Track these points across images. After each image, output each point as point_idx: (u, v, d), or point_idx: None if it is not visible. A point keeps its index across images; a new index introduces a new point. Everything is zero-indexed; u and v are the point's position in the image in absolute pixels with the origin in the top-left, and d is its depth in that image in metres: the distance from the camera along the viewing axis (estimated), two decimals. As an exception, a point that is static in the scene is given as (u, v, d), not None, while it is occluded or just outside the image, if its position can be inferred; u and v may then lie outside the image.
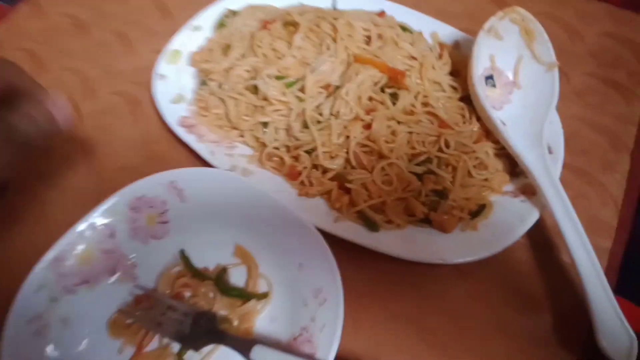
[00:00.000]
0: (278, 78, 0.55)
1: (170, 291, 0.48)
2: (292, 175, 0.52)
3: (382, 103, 0.52)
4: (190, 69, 0.61)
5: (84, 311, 0.46)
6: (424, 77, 0.53)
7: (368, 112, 0.52)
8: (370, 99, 0.52)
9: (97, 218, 0.47)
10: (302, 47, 0.56)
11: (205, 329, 0.45)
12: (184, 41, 0.63)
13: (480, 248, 0.47)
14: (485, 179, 0.51)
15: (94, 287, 0.47)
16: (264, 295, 0.48)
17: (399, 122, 0.52)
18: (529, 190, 0.51)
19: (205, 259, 0.50)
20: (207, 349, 0.45)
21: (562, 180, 0.49)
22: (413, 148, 0.52)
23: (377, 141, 0.51)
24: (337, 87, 0.53)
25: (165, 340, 0.46)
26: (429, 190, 0.50)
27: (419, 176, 0.51)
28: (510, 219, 0.49)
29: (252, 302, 0.47)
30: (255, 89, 0.55)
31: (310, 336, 0.44)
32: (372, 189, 0.50)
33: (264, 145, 0.54)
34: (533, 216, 0.49)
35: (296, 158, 0.52)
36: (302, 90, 0.54)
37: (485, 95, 0.53)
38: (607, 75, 0.63)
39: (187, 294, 0.48)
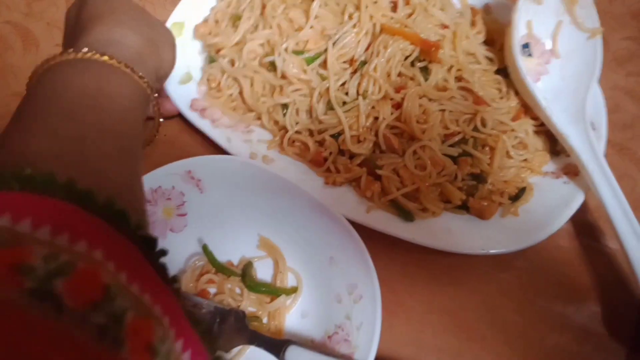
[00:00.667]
0: (296, 53, 0.50)
1: (195, 288, 0.45)
2: (317, 162, 0.48)
3: (412, 79, 0.48)
4: (197, 44, 0.56)
5: None
6: (458, 48, 0.49)
7: (398, 89, 0.47)
8: (400, 74, 0.48)
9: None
10: (320, 17, 0.51)
11: (235, 328, 0.42)
12: (186, 12, 0.57)
13: (522, 236, 0.44)
14: (525, 160, 0.48)
15: None
16: (293, 290, 0.45)
17: (430, 100, 0.48)
18: (572, 171, 0.47)
19: (228, 252, 0.47)
20: (236, 348, 0.43)
21: (605, 158, 0.46)
22: (446, 128, 0.48)
23: (408, 122, 0.47)
24: (363, 62, 0.48)
25: None
26: (465, 174, 0.47)
27: (454, 159, 0.47)
28: (553, 202, 0.46)
29: (282, 298, 0.45)
30: (272, 66, 0.50)
31: (347, 335, 0.42)
32: (404, 175, 0.46)
33: (284, 129, 0.50)
34: (578, 199, 0.45)
35: (321, 143, 0.48)
36: (323, 66, 0.49)
37: (524, 67, 0.49)
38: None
39: (212, 290, 0.46)
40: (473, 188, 0.47)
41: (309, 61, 0.49)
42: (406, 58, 0.48)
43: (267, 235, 0.47)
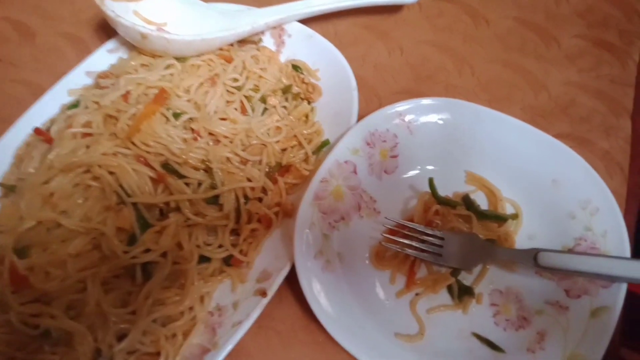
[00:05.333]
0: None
1: (424, 219, 0.48)
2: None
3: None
4: None
5: (349, 246, 0.46)
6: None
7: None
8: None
9: (340, 154, 0.47)
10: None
11: (474, 249, 0.45)
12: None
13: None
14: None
15: (349, 223, 0.47)
16: (515, 216, 0.48)
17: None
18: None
19: (440, 189, 0.49)
20: (477, 269, 0.46)
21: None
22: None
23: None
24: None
25: (436, 266, 0.46)
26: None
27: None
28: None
29: (509, 223, 0.47)
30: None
31: (592, 244, 0.44)
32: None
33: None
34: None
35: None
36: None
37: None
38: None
39: (437, 222, 0.48)
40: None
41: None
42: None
43: (474, 169, 0.50)
